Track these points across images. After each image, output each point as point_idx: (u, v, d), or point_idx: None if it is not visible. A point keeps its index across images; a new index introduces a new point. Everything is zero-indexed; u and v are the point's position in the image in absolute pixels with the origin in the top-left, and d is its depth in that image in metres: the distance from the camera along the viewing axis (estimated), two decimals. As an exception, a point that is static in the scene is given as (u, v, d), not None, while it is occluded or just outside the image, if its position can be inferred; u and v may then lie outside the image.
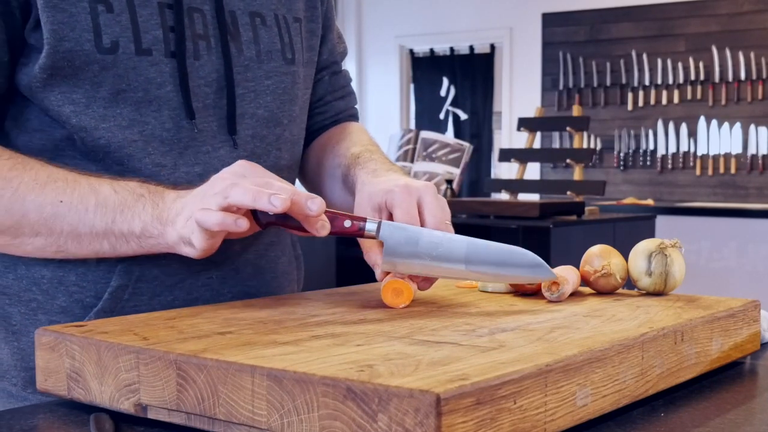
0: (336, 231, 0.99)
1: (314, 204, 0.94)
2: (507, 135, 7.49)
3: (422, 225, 1.01)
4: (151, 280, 1.07)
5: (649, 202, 5.75)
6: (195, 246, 0.95)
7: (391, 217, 1.03)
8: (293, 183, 1.24)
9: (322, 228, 0.96)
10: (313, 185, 1.31)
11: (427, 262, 1.00)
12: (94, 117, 1.02)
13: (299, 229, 0.98)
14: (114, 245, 1.00)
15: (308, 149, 1.31)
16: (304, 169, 1.31)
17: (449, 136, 7.43)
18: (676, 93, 6.70)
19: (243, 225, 0.91)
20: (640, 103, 6.85)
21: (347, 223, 0.99)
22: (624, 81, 6.90)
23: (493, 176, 7.83)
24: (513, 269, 1.00)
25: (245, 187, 0.92)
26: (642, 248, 1.06)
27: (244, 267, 1.14)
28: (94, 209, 0.98)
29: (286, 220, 0.97)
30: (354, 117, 1.36)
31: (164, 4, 1.04)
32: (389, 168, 1.13)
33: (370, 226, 1.00)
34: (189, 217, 0.94)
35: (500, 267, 1.00)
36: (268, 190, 0.91)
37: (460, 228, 1.06)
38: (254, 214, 0.97)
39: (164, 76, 1.04)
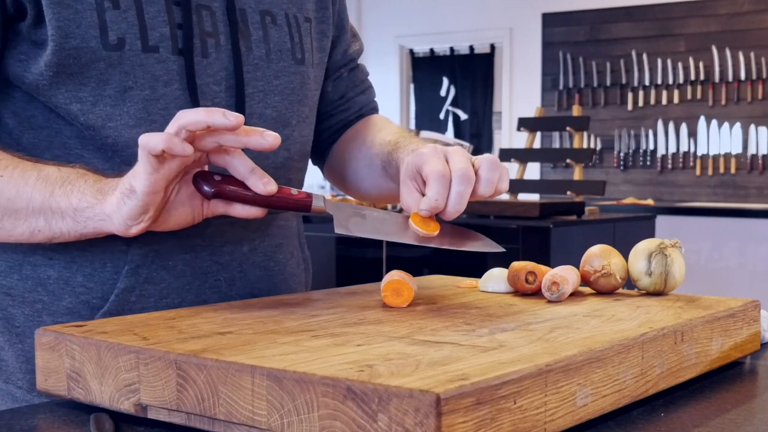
0: (281, 195, 0.98)
1: (269, 135, 0.92)
2: (507, 135, 7.49)
3: (450, 173, 0.99)
4: (159, 282, 1.06)
5: (649, 202, 5.75)
6: (136, 188, 0.91)
7: (423, 183, 1.01)
8: (303, 180, 1.24)
9: (269, 183, 0.95)
10: (345, 180, 1.31)
11: (379, 228, 1.02)
12: (101, 116, 1.01)
13: (241, 200, 0.96)
14: (50, 221, 0.98)
15: (336, 145, 1.31)
16: (331, 166, 1.32)
17: (449, 136, 7.43)
18: (676, 93, 6.70)
19: (188, 150, 0.88)
20: (640, 103, 6.85)
21: (294, 191, 0.99)
22: (624, 81, 6.90)
23: (493, 176, 7.82)
24: (466, 244, 1.03)
25: (193, 110, 0.89)
26: (642, 248, 1.05)
27: (252, 269, 1.13)
28: (34, 182, 0.97)
29: (230, 183, 0.96)
30: (375, 110, 1.36)
31: (172, 1, 1.03)
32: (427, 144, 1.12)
33: (317, 200, 1.00)
34: (132, 175, 0.92)
35: (453, 238, 1.03)
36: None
37: (460, 228, 1.06)
38: (197, 185, 0.96)
39: (171, 74, 1.03)
